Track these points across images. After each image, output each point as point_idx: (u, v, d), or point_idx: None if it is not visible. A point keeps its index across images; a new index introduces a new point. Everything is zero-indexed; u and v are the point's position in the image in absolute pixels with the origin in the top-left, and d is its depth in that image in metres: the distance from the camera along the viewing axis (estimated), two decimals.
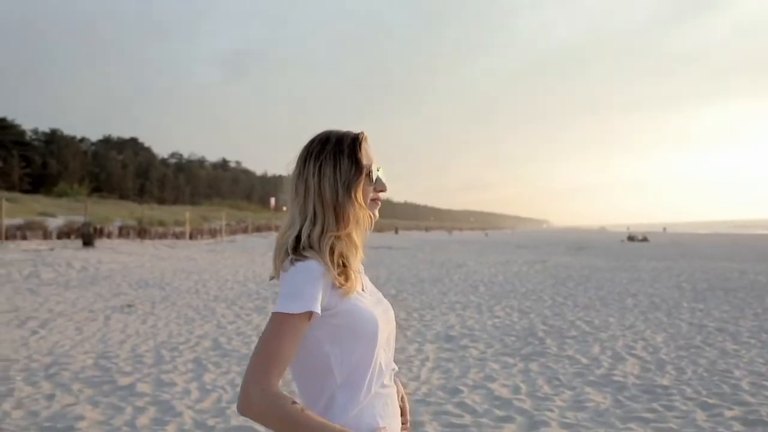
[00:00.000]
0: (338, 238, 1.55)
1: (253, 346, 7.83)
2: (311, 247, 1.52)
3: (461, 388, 5.92)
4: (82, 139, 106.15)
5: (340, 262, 1.54)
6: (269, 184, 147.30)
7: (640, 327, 9.50)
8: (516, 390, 5.89)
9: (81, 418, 4.90)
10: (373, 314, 1.56)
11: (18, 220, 30.37)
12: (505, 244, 51.53)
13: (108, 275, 16.71)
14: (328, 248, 1.52)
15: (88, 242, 25.29)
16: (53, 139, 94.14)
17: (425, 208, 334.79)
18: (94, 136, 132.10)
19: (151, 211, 48.32)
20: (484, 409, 5.25)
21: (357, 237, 1.60)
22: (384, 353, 1.62)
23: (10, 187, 68.93)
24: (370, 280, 1.73)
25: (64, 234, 29.18)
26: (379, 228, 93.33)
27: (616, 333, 8.99)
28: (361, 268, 1.73)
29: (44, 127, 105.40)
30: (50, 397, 5.49)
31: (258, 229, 51.15)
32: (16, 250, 21.95)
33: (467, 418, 5.00)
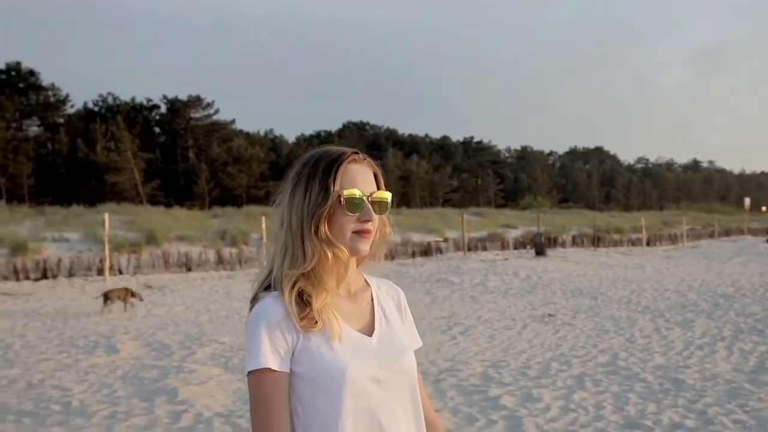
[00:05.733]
0: (302, 275, 1.35)
1: (631, 362, 7.24)
2: (281, 285, 1.35)
3: None
4: (550, 153, 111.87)
5: (307, 300, 1.34)
6: (748, 183, 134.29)
7: None
8: None
9: None
10: (339, 363, 1.30)
11: (483, 233, 33.37)
12: None
13: (548, 284, 17.15)
14: (289, 286, 1.33)
15: (540, 251, 26.41)
16: (524, 155, 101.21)
17: None
18: (561, 149, 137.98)
19: (609, 219, 48.28)
20: None
21: (326, 274, 1.35)
22: (369, 424, 1.32)
23: (487, 203, 76.37)
24: None
25: (520, 244, 31.02)
26: None
27: None
28: (388, 299, 1.47)
29: (516, 145, 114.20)
30: None
31: (727, 233, 46.88)
32: (475, 260, 24.08)
33: None
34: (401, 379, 1.37)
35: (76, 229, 25.64)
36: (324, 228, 1.34)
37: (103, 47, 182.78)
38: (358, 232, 1.36)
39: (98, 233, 20.47)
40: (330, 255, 1.34)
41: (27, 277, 17.40)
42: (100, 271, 18.11)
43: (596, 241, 33.60)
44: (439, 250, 27.31)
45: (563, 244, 32.30)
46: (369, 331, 1.40)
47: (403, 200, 68.40)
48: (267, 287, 1.38)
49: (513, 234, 35.30)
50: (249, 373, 1.30)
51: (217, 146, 59.91)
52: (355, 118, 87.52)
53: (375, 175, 1.42)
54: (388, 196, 1.40)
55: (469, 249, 28.04)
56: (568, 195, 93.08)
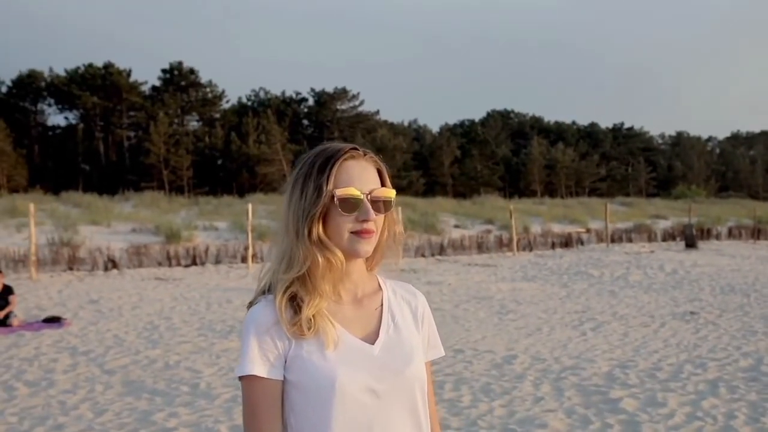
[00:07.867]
0: (297, 279, 1.29)
1: None
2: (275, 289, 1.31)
3: None
4: (709, 138, 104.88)
5: (298, 306, 1.28)
6: None
7: None
8: None
9: (544, 425, 4.95)
10: (330, 372, 1.23)
11: (629, 224, 31.87)
12: None
13: (696, 279, 16.10)
14: (281, 291, 1.28)
15: (690, 244, 24.87)
16: (678, 141, 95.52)
17: None
18: (722, 134, 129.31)
19: None
20: None
21: (320, 279, 1.28)
22: None
23: (637, 192, 72.98)
24: None
25: (669, 236, 29.32)
26: None
27: None
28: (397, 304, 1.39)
29: (671, 131, 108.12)
30: (538, 400, 5.70)
31: None
32: (619, 252, 23.05)
33: None
34: (403, 389, 1.29)
35: (225, 218, 27.15)
36: (317, 230, 1.28)
37: (256, 43, 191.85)
38: (357, 233, 1.28)
39: (244, 222, 21.50)
40: (321, 259, 1.27)
41: (179, 263, 18.60)
42: (244, 259, 19.04)
43: (756, 233, 31.14)
44: (581, 242, 26.39)
45: (718, 236, 30.20)
46: (373, 338, 1.32)
47: (547, 189, 66.77)
48: (266, 291, 1.35)
49: (662, 225, 33.45)
50: (239, 378, 1.28)
51: (362, 137, 61.14)
52: (500, 107, 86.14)
53: (379, 172, 1.34)
54: (391, 193, 1.32)
55: (613, 240, 26.87)
56: (728, 184, 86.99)
